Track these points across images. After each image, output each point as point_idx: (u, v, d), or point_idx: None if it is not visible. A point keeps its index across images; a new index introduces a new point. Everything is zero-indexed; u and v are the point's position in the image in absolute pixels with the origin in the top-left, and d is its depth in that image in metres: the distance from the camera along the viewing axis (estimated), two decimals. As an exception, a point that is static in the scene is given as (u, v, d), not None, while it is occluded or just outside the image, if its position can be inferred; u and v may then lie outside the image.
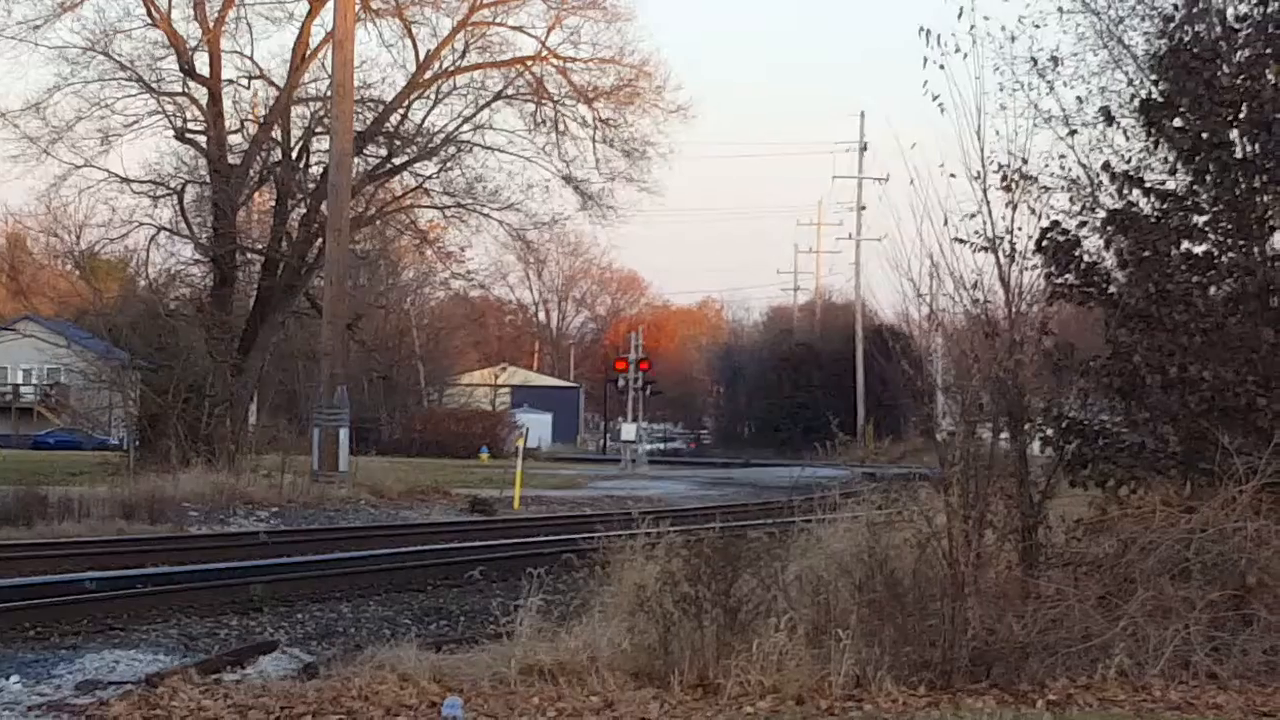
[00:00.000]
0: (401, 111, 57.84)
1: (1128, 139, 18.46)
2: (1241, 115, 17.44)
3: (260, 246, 58.07)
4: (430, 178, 59.36)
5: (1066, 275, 17.60)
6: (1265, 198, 17.42)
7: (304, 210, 56.89)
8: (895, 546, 15.57)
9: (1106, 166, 17.98)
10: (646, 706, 13.46)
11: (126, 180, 55.28)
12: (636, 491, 56.89)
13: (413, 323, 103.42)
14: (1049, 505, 16.30)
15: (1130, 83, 21.27)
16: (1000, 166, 16.84)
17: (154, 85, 55.30)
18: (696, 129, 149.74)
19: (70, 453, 63.54)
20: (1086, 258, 17.75)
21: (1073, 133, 18.42)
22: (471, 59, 58.25)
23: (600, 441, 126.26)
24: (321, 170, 54.85)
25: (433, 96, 58.30)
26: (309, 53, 55.67)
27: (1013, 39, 18.44)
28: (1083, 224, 17.88)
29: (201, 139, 55.48)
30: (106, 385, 57.17)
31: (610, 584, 16.51)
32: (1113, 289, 17.70)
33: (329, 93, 51.87)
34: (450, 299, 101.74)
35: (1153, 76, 18.73)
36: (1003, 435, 16.17)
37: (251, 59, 56.82)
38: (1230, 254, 17.61)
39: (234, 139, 56.64)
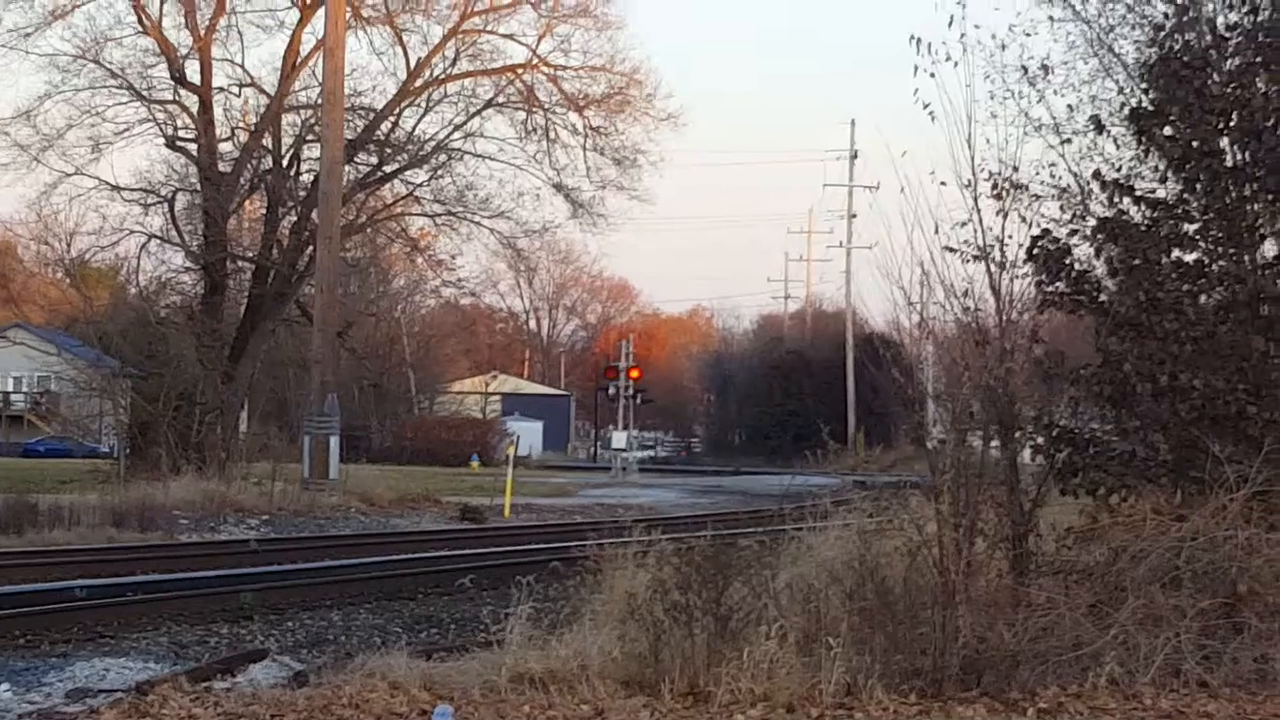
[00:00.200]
0: (392, 119, 57.88)
1: (1118, 147, 18.46)
2: (1232, 123, 17.44)
3: (251, 254, 58.06)
4: (421, 185, 59.46)
5: (1057, 283, 17.59)
6: (1256, 206, 17.43)
7: (295, 218, 56.86)
8: (886, 554, 15.57)
9: (1097, 174, 17.98)
10: (637, 715, 13.46)
11: (117, 188, 55.35)
12: (627, 499, 56.87)
13: (403, 330, 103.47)
14: (1040, 513, 16.30)
15: (1121, 91, 21.30)
16: (991, 174, 16.84)
17: (145, 93, 55.37)
18: (687, 137, 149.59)
19: (60, 461, 63.50)
20: (1077, 266, 17.74)
21: (1064, 141, 18.44)
22: (462, 67, 58.32)
23: (591, 449, 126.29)
24: (312, 178, 54.84)
25: (424, 104, 58.35)
26: (300, 60, 55.69)
27: (1003, 47, 18.46)
28: (1073, 232, 17.87)
29: (192, 147, 55.47)
30: (97, 393, 57.16)
31: (601, 592, 16.50)
32: (1103, 297, 17.70)
33: (320, 100, 51.86)
34: (441, 307, 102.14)
35: (1143, 85, 18.74)
36: (993, 443, 16.19)
37: (242, 67, 56.96)
38: (1221, 262, 17.61)
39: (225, 147, 56.74)
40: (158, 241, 56.23)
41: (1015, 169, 17.06)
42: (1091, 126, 18.50)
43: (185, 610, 21.41)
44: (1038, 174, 17.98)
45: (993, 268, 16.56)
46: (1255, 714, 13.86)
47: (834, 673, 13.94)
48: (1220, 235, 17.57)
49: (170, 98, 55.77)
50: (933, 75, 16.71)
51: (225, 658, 17.45)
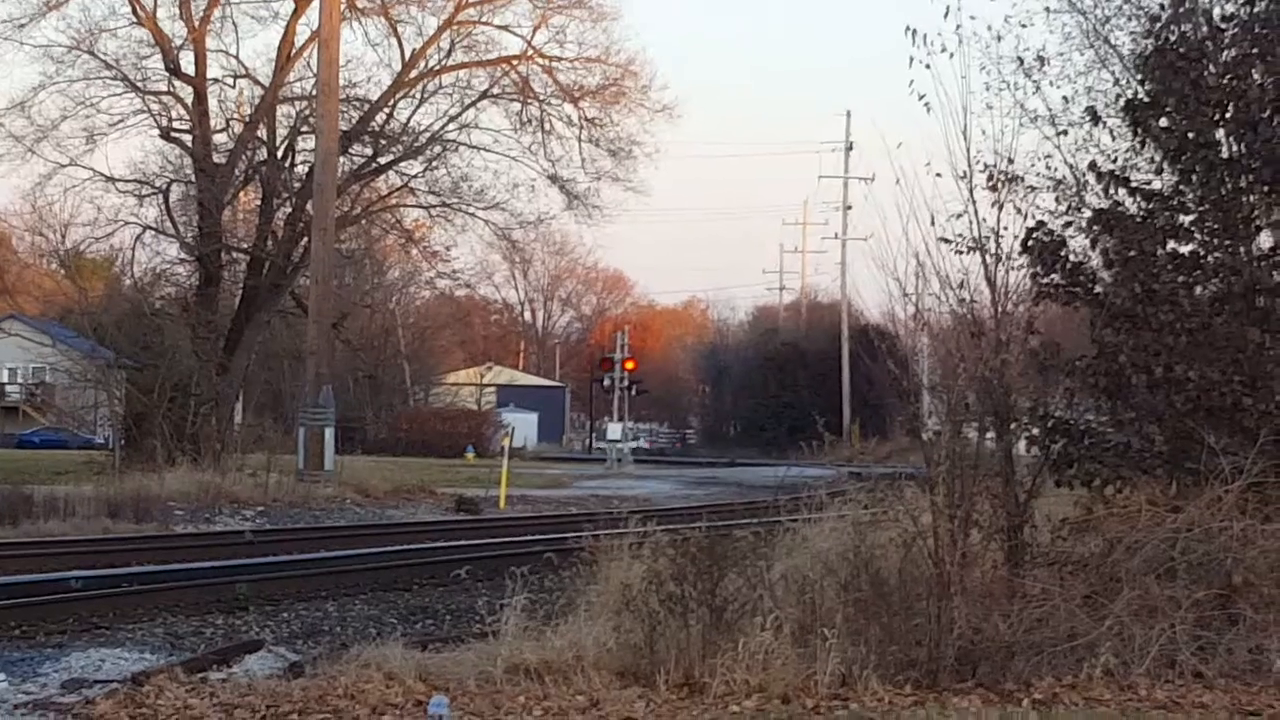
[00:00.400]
0: (387, 110, 57.83)
1: (1114, 139, 18.49)
2: (1227, 115, 17.46)
3: (246, 245, 58.04)
4: (416, 177, 59.40)
5: (1052, 275, 17.60)
6: (1251, 197, 17.45)
7: (289, 209, 56.84)
8: (881, 546, 15.59)
9: (1093, 166, 17.99)
10: (632, 705, 13.46)
11: (112, 179, 55.34)
12: (622, 491, 56.86)
13: (398, 322, 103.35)
14: (1035, 505, 16.32)
15: (1116, 82, 21.33)
16: (986, 166, 16.85)
17: (139, 84, 55.30)
18: (682, 129, 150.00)
19: (55, 452, 63.42)
20: (1072, 257, 17.75)
21: (1059, 132, 18.48)
22: (457, 58, 58.28)
23: (586, 441, 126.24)
24: (307, 169, 54.83)
25: (418, 95, 58.31)
26: (294, 52, 55.65)
27: (999, 38, 18.48)
28: (1069, 224, 17.89)
29: (187, 138, 55.45)
30: (92, 384, 57.19)
31: (596, 583, 16.53)
32: (1098, 289, 17.71)
33: (314, 92, 51.83)
34: (436, 298, 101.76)
35: (1139, 76, 18.74)
36: (989, 435, 16.19)
37: (237, 58, 56.96)
38: (1216, 254, 17.62)
39: (219, 138, 56.73)
40: (152, 233, 56.22)
41: (1011, 160, 17.10)
42: (1087, 118, 18.53)
43: (181, 601, 21.40)
44: (1033, 165, 18.03)
45: (988, 259, 16.57)
46: (1250, 704, 13.88)
47: (829, 664, 13.95)
48: (1216, 227, 17.58)
49: (165, 89, 55.78)
50: (928, 67, 16.73)
51: (221, 648, 17.46)
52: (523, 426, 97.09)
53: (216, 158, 55.53)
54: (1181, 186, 17.75)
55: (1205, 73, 17.57)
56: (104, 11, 55.26)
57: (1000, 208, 16.82)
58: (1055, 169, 18.19)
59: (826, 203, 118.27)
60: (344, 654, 15.43)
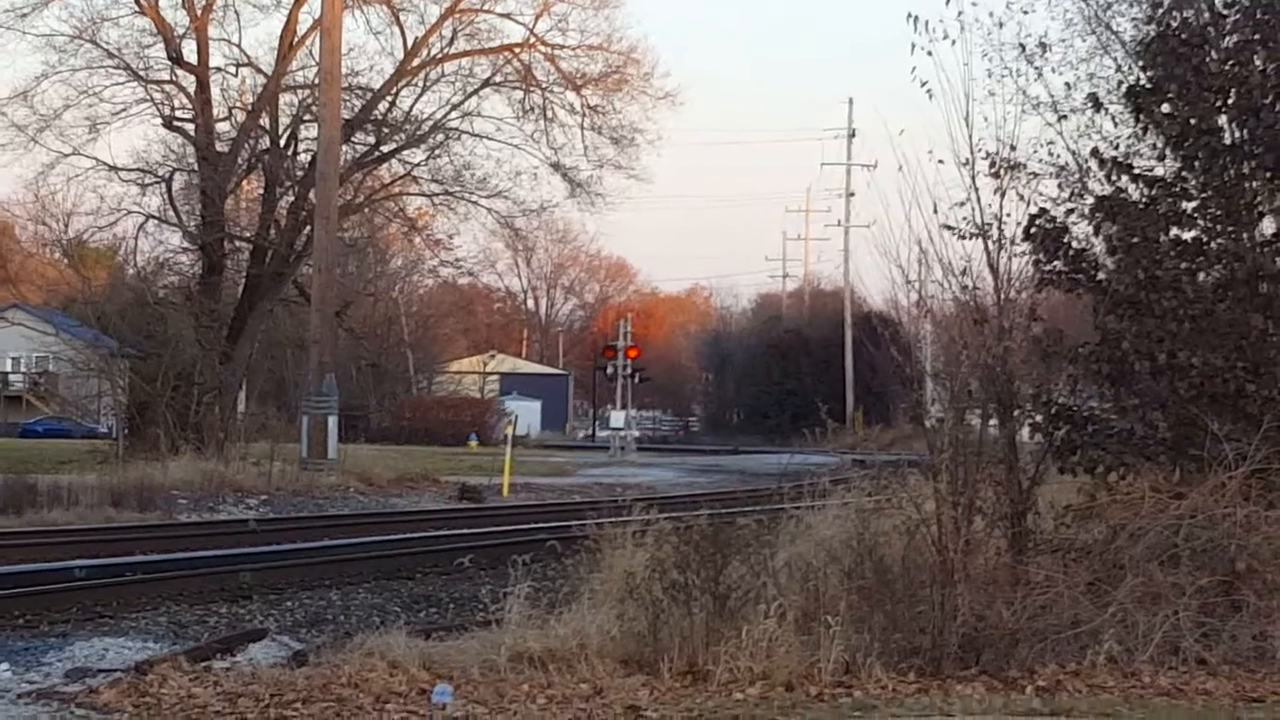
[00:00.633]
0: (389, 99, 57.75)
1: (1116, 125, 18.47)
2: (1230, 101, 17.43)
3: (248, 234, 57.97)
4: (418, 165, 59.35)
5: (1055, 262, 17.59)
6: (1254, 183, 17.43)
7: (292, 198, 56.77)
8: (884, 533, 15.60)
9: (1095, 153, 17.97)
10: (636, 693, 13.47)
11: (114, 168, 55.27)
12: (625, 479, 56.83)
13: (401, 310, 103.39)
14: (1038, 491, 16.33)
15: (1119, 69, 21.31)
16: (989, 153, 16.84)
17: (142, 73, 55.22)
18: (684, 116, 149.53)
19: (59, 441, 63.43)
20: (1075, 244, 17.74)
21: (1061, 119, 18.45)
22: (459, 46, 58.17)
23: (589, 429, 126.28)
24: (310, 158, 54.78)
25: (421, 84, 58.24)
26: (297, 40, 55.55)
27: (1001, 25, 18.45)
28: (1071, 210, 17.89)
29: (189, 127, 55.36)
30: (95, 373, 57.22)
31: (600, 571, 16.53)
32: (1101, 275, 17.70)
33: (317, 80, 51.74)
34: (439, 286, 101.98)
35: (1141, 62, 18.71)
36: (992, 422, 16.20)
37: (239, 47, 56.82)
38: (1219, 240, 17.61)
39: (222, 127, 56.60)
40: (155, 221, 56.16)
41: (1013, 147, 17.09)
42: (1089, 104, 18.49)
43: (184, 590, 21.42)
44: (1035, 152, 18.02)
45: (991, 246, 16.57)
46: (1254, 691, 13.89)
47: (833, 651, 13.96)
48: (1219, 213, 17.57)
49: (167, 78, 55.65)
50: (930, 54, 16.74)
51: (224, 637, 17.47)
52: (526, 415, 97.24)
53: (219, 146, 55.45)
54: (1184, 173, 17.73)
55: (1207, 59, 17.55)
56: (106, 1, 55.18)
57: (1003, 194, 16.83)
58: (1058, 155, 18.19)
59: (829, 190, 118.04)
60: (348, 642, 15.42)
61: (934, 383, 19.12)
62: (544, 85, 58.21)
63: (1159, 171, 17.92)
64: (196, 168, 55.56)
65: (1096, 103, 18.48)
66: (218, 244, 55.53)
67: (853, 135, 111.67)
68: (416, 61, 57.22)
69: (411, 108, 58.21)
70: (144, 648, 16.90)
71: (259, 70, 56.83)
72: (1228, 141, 17.46)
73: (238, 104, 57.58)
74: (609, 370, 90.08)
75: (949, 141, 16.57)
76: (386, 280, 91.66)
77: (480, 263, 78.53)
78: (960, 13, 16.97)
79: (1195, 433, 16.50)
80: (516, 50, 58.06)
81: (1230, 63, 17.49)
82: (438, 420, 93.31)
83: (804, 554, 15.98)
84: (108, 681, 14.14)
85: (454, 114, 57.96)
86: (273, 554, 25.74)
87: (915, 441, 20.65)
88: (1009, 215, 16.79)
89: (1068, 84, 19.40)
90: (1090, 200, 17.85)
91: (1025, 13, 19.68)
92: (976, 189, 16.62)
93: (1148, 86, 17.93)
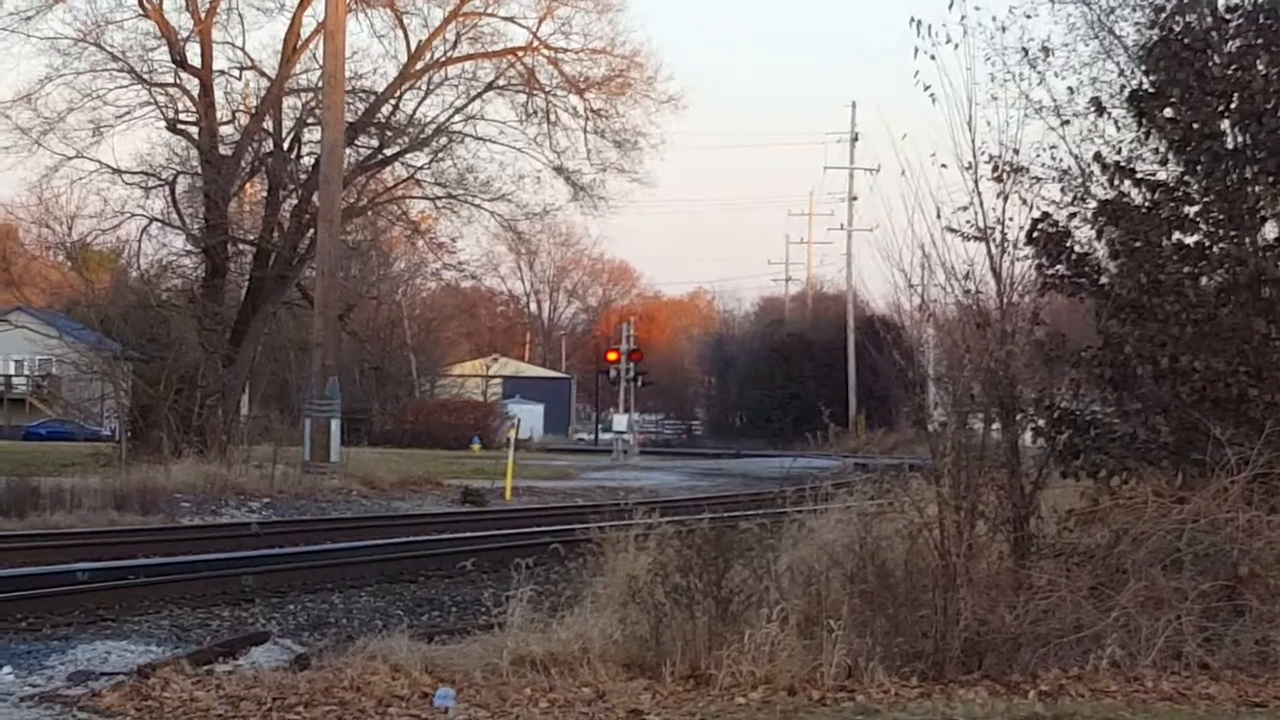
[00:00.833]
0: (393, 102, 57.82)
1: (1119, 129, 18.46)
2: (1232, 106, 17.44)
3: (252, 237, 58.01)
4: (422, 168, 59.42)
5: (1058, 266, 17.59)
6: (1256, 188, 17.43)
7: (295, 201, 56.83)
8: (887, 537, 15.59)
9: (1098, 157, 17.97)
10: (638, 697, 13.47)
11: (118, 171, 55.31)
12: (628, 482, 56.85)
13: (404, 313, 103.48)
14: (1040, 496, 16.32)
15: (1121, 73, 21.32)
16: (991, 157, 16.84)
17: (145, 76, 55.31)
18: (688, 121, 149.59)
19: (62, 444, 63.48)
20: (1078, 248, 17.74)
21: (1064, 123, 18.43)
22: (463, 49, 58.22)
23: (592, 432, 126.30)
24: (313, 161, 54.83)
25: (424, 87, 58.29)
26: (300, 43, 55.62)
27: (1004, 29, 18.45)
28: (1074, 215, 17.88)
29: (193, 130, 55.41)
30: (98, 376, 57.19)
31: (602, 575, 16.53)
32: (1104, 280, 17.70)
33: (320, 83, 51.84)
34: (442, 290, 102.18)
35: (1144, 67, 18.71)
36: (994, 426, 16.19)
37: (243, 50, 56.92)
38: (1222, 244, 17.61)
39: (225, 130, 56.67)
40: (159, 224, 56.30)
41: (1016, 151, 17.08)
42: (1092, 109, 18.49)
43: (187, 593, 21.42)
44: (1038, 156, 18.00)
45: (993, 250, 16.57)
46: (1257, 696, 13.88)
47: (835, 655, 13.95)
48: (1221, 217, 17.57)
49: (171, 81, 55.72)
50: (933, 58, 16.72)
51: (227, 640, 17.47)
52: (528, 418, 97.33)
53: (223, 149, 55.51)
54: (1186, 177, 17.73)
55: (1210, 63, 17.55)
56: (110, 4, 55.55)
57: (1005, 198, 16.80)
58: (1060, 160, 18.18)
59: (832, 194, 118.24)
60: (350, 646, 15.43)
61: (936, 386, 19.12)
62: (547, 89, 58.29)
63: (1161, 176, 17.92)
64: (200, 171, 55.63)
65: (1099, 107, 18.48)
66: (221, 247, 55.57)
67: (855, 139, 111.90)
68: (420, 65, 57.29)
69: (415, 111, 58.36)
70: (146, 651, 16.90)
71: (263, 73, 56.97)
72: (1230, 146, 17.46)
73: (241, 107, 57.70)
74: (611, 374, 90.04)
75: (952, 145, 16.58)
76: (389, 283, 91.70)
77: (483, 266, 78.64)
78: (963, 17, 16.96)
79: (1198, 437, 16.50)
80: (520, 54, 58.13)
81: (1233, 67, 17.51)
82: (440, 423, 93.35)
83: (806, 558, 15.98)
84: (110, 685, 14.14)
85: (457, 117, 58.12)
86: (275, 557, 25.75)
87: (917, 445, 20.63)
88: (1011, 219, 16.80)
89: (1070, 88, 19.41)
90: (1093, 204, 17.85)
91: (1028, 17, 19.74)
92: (979, 193, 16.63)
93: (1150, 91, 17.94)
